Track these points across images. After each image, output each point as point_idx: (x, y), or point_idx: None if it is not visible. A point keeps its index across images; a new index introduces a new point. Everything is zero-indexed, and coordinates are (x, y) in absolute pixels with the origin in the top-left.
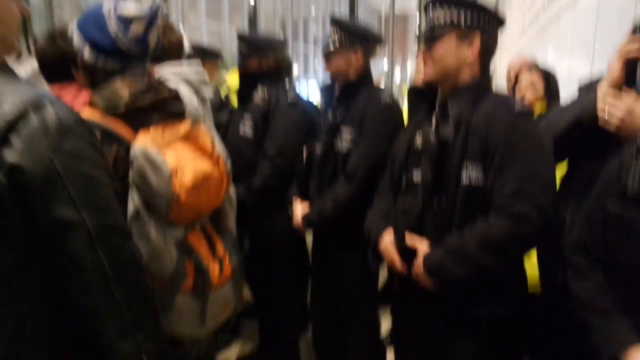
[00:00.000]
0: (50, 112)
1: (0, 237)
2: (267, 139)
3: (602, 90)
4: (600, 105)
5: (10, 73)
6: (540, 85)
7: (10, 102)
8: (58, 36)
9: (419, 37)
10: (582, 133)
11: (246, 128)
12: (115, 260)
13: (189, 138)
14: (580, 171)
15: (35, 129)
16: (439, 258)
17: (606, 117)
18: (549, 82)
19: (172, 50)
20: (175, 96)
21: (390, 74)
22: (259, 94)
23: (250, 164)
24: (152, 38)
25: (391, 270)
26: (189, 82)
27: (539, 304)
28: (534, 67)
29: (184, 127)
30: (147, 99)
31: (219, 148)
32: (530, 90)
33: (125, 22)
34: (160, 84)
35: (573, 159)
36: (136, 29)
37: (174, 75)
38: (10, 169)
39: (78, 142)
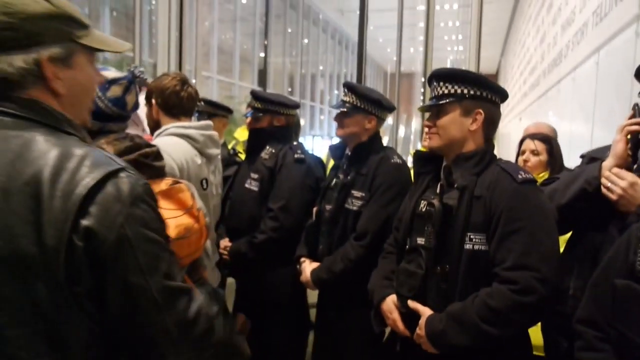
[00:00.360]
0: (124, 180)
1: (76, 302)
2: (272, 195)
3: (607, 165)
4: (603, 178)
5: (85, 137)
6: (543, 153)
7: (89, 169)
8: None
9: (422, 108)
10: (587, 204)
11: (252, 183)
12: (182, 321)
13: (169, 193)
14: (584, 240)
15: (111, 197)
16: (442, 324)
17: (609, 186)
18: (552, 148)
19: (188, 103)
20: (157, 153)
21: (395, 129)
22: (267, 150)
23: (254, 218)
24: (130, 99)
25: (393, 331)
26: (193, 141)
27: None
28: (537, 135)
29: (164, 183)
30: (131, 157)
31: (200, 203)
32: (533, 158)
33: (105, 84)
34: (143, 142)
35: (577, 228)
36: (115, 90)
37: (180, 133)
38: (86, 232)
39: (146, 209)
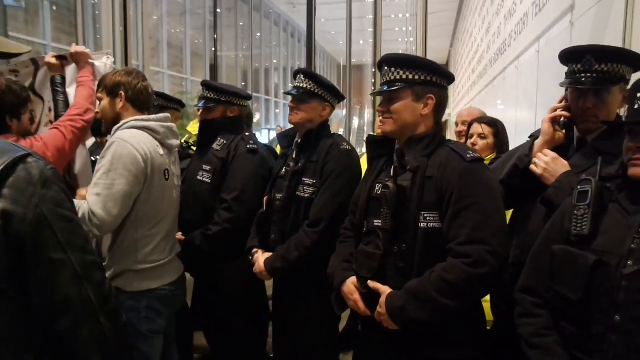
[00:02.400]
0: (32, 165)
1: None
2: (226, 186)
3: (537, 142)
4: (533, 157)
5: None
6: (490, 136)
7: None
8: None
9: (375, 93)
10: (519, 179)
11: (204, 174)
12: (99, 293)
13: None
14: (521, 213)
15: (23, 180)
16: (401, 300)
17: (535, 161)
18: (498, 132)
19: (151, 98)
20: None
21: (348, 120)
22: (219, 141)
23: (207, 210)
24: None
25: (355, 313)
26: (154, 132)
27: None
28: (484, 118)
29: None
30: None
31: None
32: (480, 141)
33: None
34: None
35: (518, 202)
36: None
37: (140, 125)
38: (2, 213)
39: (57, 190)
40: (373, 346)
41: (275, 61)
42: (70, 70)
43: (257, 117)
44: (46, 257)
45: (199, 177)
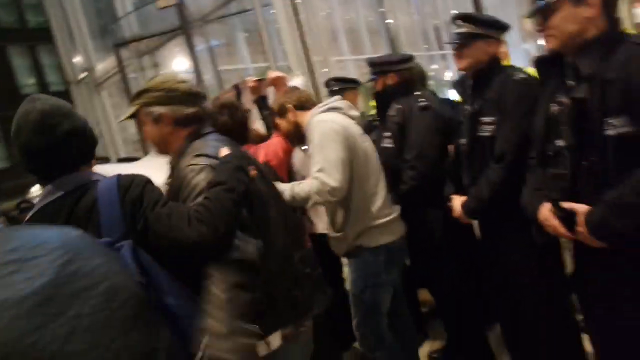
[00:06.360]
0: None
1: None
2: (406, 147)
3: None
4: None
5: None
6: None
7: None
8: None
9: (529, 14)
10: None
11: (386, 141)
12: None
13: None
14: None
15: None
16: (600, 214)
17: None
18: None
19: (304, 101)
20: None
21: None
22: (393, 107)
23: (395, 172)
24: None
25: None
26: (338, 109)
27: None
28: None
29: None
30: None
31: None
32: None
33: None
34: None
35: None
36: None
37: (324, 110)
38: None
39: None
40: (588, 274)
41: (454, 11)
42: (271, 90)
43: (450, 75)
44: None
45: (382, 145)
